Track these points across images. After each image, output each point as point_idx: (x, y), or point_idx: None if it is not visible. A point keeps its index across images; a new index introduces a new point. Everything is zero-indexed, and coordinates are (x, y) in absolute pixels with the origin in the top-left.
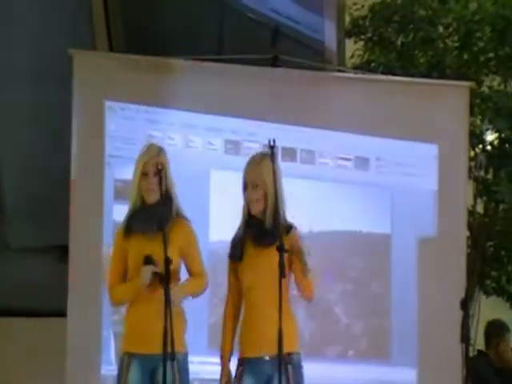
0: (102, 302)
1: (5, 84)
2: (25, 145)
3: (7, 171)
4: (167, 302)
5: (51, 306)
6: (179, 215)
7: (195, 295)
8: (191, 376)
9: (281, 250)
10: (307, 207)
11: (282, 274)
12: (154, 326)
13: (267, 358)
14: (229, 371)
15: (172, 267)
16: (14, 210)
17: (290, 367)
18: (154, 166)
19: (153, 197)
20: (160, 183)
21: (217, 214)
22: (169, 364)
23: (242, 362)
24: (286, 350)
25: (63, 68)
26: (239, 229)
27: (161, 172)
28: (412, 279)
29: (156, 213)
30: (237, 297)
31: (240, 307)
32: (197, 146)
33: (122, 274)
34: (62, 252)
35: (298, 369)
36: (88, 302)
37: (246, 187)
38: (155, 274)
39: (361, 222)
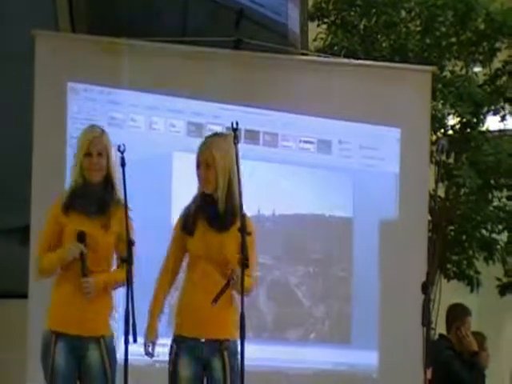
0: None
1: None
2: None
3: None
4: (129, 282)
5: (12, 288)
6: (118, 199)
7: (117, 285)
8: (155, 358)
9: (243, 231)
10: (270, 190)
11: (243, 258)
12: (78, 307)
13: (203, 340)
14: (156, 330)
15: (108, 252)
16: None
17: (225, 353)
18: (97, 146)
19: (95, 177)
20: (103, 164)
21: (179, 196)
22: (96, 347)
23: (177, 340)
24: (222, 336)
25: (25, 48)
26: (192, 203)
27: (104, 153)
28: (374, 262)
29: (98, 194)
30: (176, 265)
31: (176, 277)
32: (159, 127)
33: (51, 243)
34: (23, 234)
35: (235, 356)
36: (49, 284)
37: (198, 166)
38: (81, 254)
39: (323, 205)
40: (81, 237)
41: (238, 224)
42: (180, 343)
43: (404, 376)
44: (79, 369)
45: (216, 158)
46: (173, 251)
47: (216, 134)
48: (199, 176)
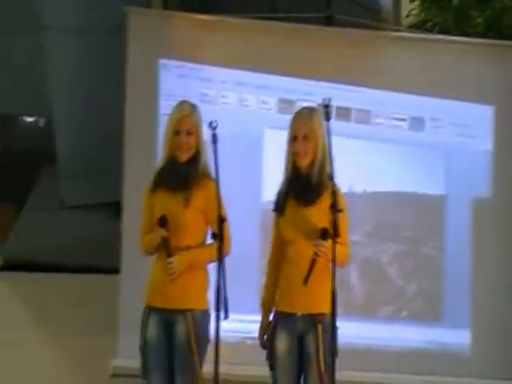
0: None
1: (58, 38)
2: (78, 101)
3: (61, 129)
4: (220, 259)
5: (105, 263)
6: (206, 175)
7: (205, 262)
8: (242, 335)
9: (334, 208)
10: (361, 167)
11: (335, 234)
12: (168, 282)
13: (298, 314)
14: (268, 321)
15: (189, 228)
16: (68, 168)
17: (319, 327)
18: (186, 124)
19: (184, 156)
20: (191, 143)
21: (270, 174)
22: (183, 320)
23: (276, 316)
24: (317, 310)
25: (117, 24)
26: (283, 182)
27: (193, 132)
28: (465, 241)
29: (183, 170)
30: (280, 249)
31: (282, 260)
32: (250, 104)
33: (149, 225)
34: (115, 209)
35: (330, 329)
36: (142, 259)
37: (294, 139)
38: (164, 239)
39: (415, 182)
40: (162, 221)
41: (328, 199)
42: (277, 319)
43: (497, 355)
44: (170, 340)
45: (315, 130)
46: (274, 236)
47: (309, 108)
48: (295, 149)
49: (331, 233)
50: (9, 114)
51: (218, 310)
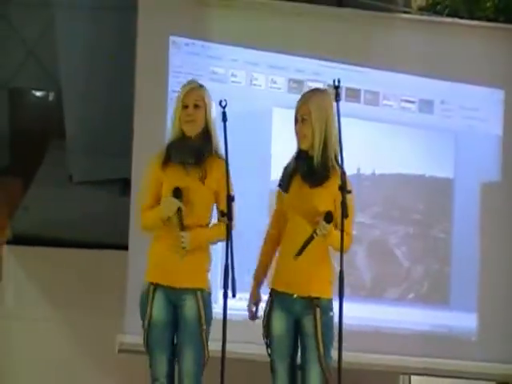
0: None
1: (69, 14)
2: (87, 77)
3: (70, 105)
4: (228, 237)
5: (113, 239)
6: (217, 154)
7: (213, 242)
8: (244, 314)
9: (343, 189)
10: (370, 149)
11: (343, 215)
12: (177, 260)
13: (295, 296)
14: (257, 294)
15: (202, 205)
16: (76, 144)
17: (318, 310)
18: (194, 97)
19: (193, 129)
20: (199, 116)
21: (278, 153)
22: (193, 298)
23: (272, 293)
24: (315, 294)
25: (128, 0)
26: (291, 161)
27: (201, 105)
28: (474, 224)
29: (195, 146)
30: (280, 224)
31: (281, 234)
32: (260, 83)
33: (154, 201)
34: (123, 185)
35: (327, 313)
36: (150, 236)
37: (296, 121)
38: (179, 210)
39: (424, 165)
40: (177, 193)
41: (334, 180)
42: (274, 297)
43: (504, 340)
44: (176, 319)
45: (312, 113)
46: (275, 210)
47: (314, 90)
48: (296, 132)
49: (335, 218)
50: (18, 88)
51: (225, 288)
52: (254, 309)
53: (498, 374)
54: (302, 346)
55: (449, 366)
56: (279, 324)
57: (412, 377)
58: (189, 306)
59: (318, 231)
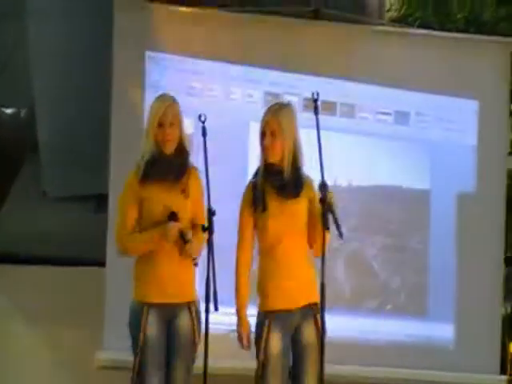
0: None
1: (40, 27)
2: (62, 91)
3: (44, 120)
4: (210, 252)
5: (88, 256)
6: (191, 166)
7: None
8: (228, 327)
9: (323, 202)
10: (346, 161)
11: (324, 226)
12: (170, 276)
13: (295, 309)
14: (248, 323)
15: (188, 218)
16: (50, 159)
17: (318, 317)
18: (169, 117)
19: (170, 147)
20: (175, 134)
21: (255, 166)
22: (187, 312)
23: (268, 316)
24: (313, 300)
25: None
26: (257, 176)
27: (176, 123)
28: (451, 235)
29: (174, 163)
30: (251, 246)
31: (252, 257)
32: (236, 97)
33: (135, 222)
34: (98, 201)
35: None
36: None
37: (263, 135)
38: (181, 230)
39: (400, 176)
40: (173, 216)
41: (306, 193)
42: (272, 318)
43: (481, 349)
44: (168, 335)
45: (283, 127)
46: (246, 231)
47: (279, 104)
48: (264, 146)
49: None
50: None
51: (207, 302)
52: (247, 338)
53: (475, 383)
54: (301, 354)
55: (427, 376)
56: (279, 345)
57: None
58: (183, 321)
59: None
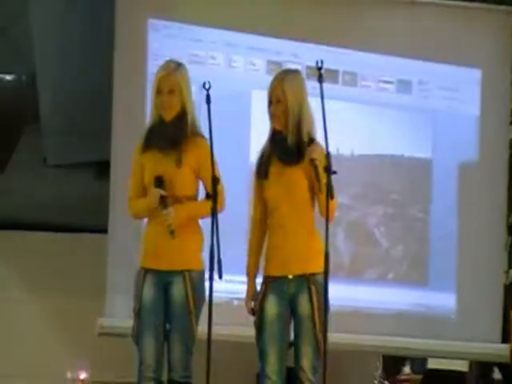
0: None
1: None
2: (62, 59)
3: (44, 87)
4: (214, 220)
5: (89, 223)
6: (195, 133)
7: (200, 217)
8: (233, 295)
9: (328, 171)
10: (349, 130)
11: (328, 195)
12: (165, 243)
13: (291, 276)
14: (254, 288)
15: (182, 187)
16: (51, 126)
17: (313, 287)
18: (168, 83)
19: (169, 114)
20: (174, 102)
21: (258, 134)
22: (181, 280)
23: (266, 280)
24: (309, 270)
25: None
26: (265, 145)
27: (176, 90)
28: (453, 204)
29: (171, 130)
30: (263, 216)
31: (265, 226)
32: (239, 65)
33: (139, 188)
34: (99, 169)
35: (322, 288)
36: (129, 219)
37: (270, 103)
38: (162, 197)
39: (402, 145)
40: (158, 181)
41: (307, 158)
42: (268, 283)
43: (482, 318)
44: (165, 302)
45: (286, 94)
46: (256, 201)
47: (286, 71)
48: (270, 113)
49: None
50: None
51: (211, 269)
52: (252, 304)
53: (476, 352)
54: (298, 325)
55: (428, 345)
56: (274, 309)
57: None
58: (177, 289)
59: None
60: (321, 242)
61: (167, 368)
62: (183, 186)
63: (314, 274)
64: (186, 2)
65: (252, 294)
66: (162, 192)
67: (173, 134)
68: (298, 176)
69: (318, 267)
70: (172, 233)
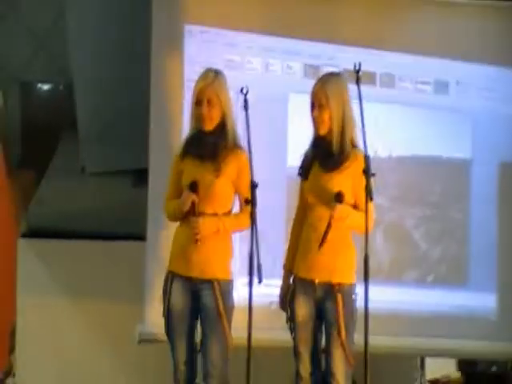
0: None
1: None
2: (99, 66)
3: (82, 94)
4: (254, 225)
5: (127, 230)
6: (234, 145)
7: (234, 231)
8: (268, 299)
9: (367, 173)
10: (387, 132)
11: (368, 197)
12: (193, 249)
13: (317, 281)
14: (288, 282)
15: (218, 197)
16: (88, 134)
17: (339, 296)
18: (207, 94)
19: (208, 125)
20: (213, 113)
21: (295, 139)
22: (210, 288)
23: (295, 280)
24: (337, 279)
25: None
26: (309, 148)
27: (214, 101)
28: (492, 204)
29: (211, 141)
30: (303, 213)
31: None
32: (276, 69)
33: (175, 192)
34: (136, 176)
35: (349, 299)
36: (167, 226)
37: (312, 107)
38: (193, 203)
39: (441, 147)
40: (192, 186)
41: (351, 163)
42: (296, 283)
43: None
44: (197, 306)
45: (330, 98)
46: (299, 200)
47: (329, 74)
48: (313, 117)
49: (356, 200)
50: (28, 81)
51: (251, 274)
52: (282, 299)
53: None
54: (326, 331)
55: (469, 346)
56: (302, 309)
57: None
58: (206, 297)
59: (332, 213)
60: (352, 253)
61: (203, 376)
62: (218, 197)
63: (340, 284)
64: (221, 8)
65: (285, 289)
66: (195, 197)
67: (213, 144)
68: (335, 182)
69: (345, 278)
70: (196, 241)
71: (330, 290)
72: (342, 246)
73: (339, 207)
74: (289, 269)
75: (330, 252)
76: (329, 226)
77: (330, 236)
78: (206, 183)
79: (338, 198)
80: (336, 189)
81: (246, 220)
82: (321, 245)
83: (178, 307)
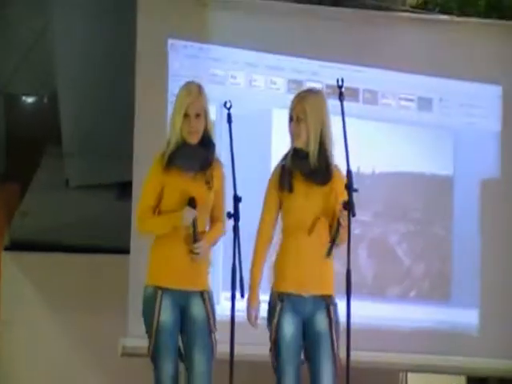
0: None
1: (64, 15)
2: (83, 80)
3: (66, 107)
4: (236, 239)
5: (110, 243)
6: (217, 159)
7: (216, 243)
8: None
9: (350, 188)
10: (370, 148)
11: (351, 213)
12: (186, 263)
13: (307, 295)
14: (257, 295)
15: (208, 210)
16: (73, 147)
17: (331, 307)
18: (195, 108)
19: (195, 138)
20: (200, 126)
21: (278, 154)
22: (200, 300)
23: (281, 297)
24: (326, 292)
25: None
26: (286, 159)
27: (201, 114)
28: (474, 221)
29: (199, 153)
30: (273, 226)
31: (273, 233)
32: (259, 84)
33: (154, 205)
34: (120, 189)
35: (337, 310)
36: (151, 239)
37: (291, 120)
38: (193, 220)
39: (423, 163)
40: (192, 203)
41: (334, 179)
42: (284, 300)
43: (506, 335)
44: (182, 322)
45: (308, 112)
46: (269, 210)
47: (309, 90)
48: (291, 130)
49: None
50: (12, 94)
51: (233, 289)
52: (255, 313)
53: (499, 369)
54: (314, 344)
55: (451, 362)
56: (289, 327)
57: (408, 374)
58: (197, 308)
59: (341, 220)
60: (332, 266)
61: None
62: (207, 209)
63: (329, 296)
64: (205, 22)
65: (256, 303)
66: (196, 213)
67: (203, 156)
68: (324, 197)
69: (331, 290)
70: (193, 259)
71: (320, 302)
72: (328, 258)
73: (347, 215)
74: (258, 282)
75: (318, 264)
76: (337, 233)
77: (314, 249)
78: (202, 197)
79: (346, 206)
80: (328, 203)
81: (220, 230)
82: (329, 253)
83: (169, 323)
